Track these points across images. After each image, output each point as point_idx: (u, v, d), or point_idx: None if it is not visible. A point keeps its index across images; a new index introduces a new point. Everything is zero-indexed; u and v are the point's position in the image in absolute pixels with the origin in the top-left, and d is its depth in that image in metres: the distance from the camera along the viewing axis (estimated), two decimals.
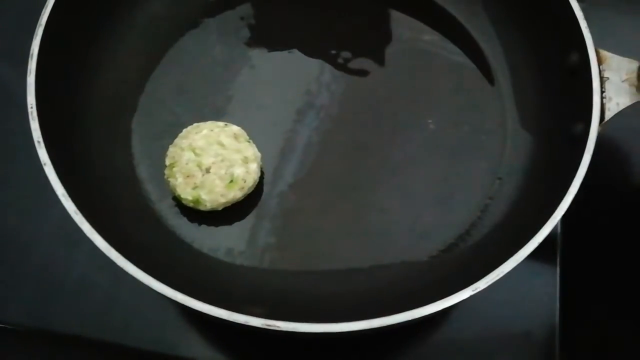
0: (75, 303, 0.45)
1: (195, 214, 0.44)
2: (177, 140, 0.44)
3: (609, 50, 0.43)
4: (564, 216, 0.38)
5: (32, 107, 0.40)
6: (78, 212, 0.37)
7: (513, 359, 0.45)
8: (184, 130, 0.45)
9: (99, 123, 0.45)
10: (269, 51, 0.50)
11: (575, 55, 0.44)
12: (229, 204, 0.44)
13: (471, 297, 0.36)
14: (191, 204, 0.43)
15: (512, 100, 0.48)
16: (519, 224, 0.42)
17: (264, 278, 0.43)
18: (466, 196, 0.46)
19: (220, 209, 0.43)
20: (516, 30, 0.49)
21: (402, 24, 0.51)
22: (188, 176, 0.43)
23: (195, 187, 0.43)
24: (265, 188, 0.46)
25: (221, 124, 0.45)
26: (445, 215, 0.45)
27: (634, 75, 0.42)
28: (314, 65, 0.50)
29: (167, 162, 0.44)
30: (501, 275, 0.36)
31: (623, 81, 0.42)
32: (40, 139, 0.39)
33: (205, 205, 0.43)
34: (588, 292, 0.47)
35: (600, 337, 0.47)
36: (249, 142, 0.45)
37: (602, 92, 0.42)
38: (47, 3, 0.42)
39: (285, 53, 0.50)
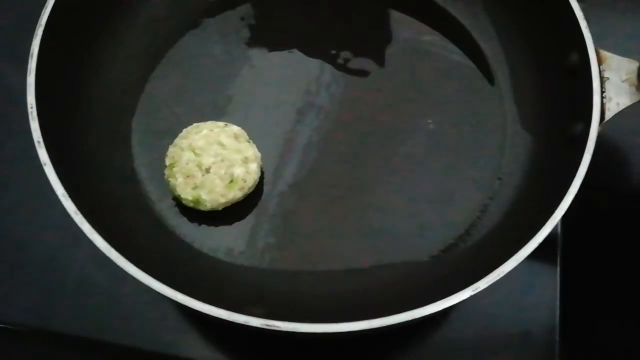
0: (75, 303, 0.45)
1: (195, 214, 0.44)
2: (177, 140, 0.44)
3: (609, 50, 0.43)
4: (564, 216, 0.38)
5: (32, 107, 0.39)
6: (78, 212, 0.37)
7: (513, 359, 0.45)
8: (184, 130, 0.45)
9: (99, 123, 0.45)
10: (269, 51, 0.50)
11: (575, 55, 0.44)
12: (229, 204, 0.44)
13: (471, 297, 0.36)
14: (191, 204, 0.43)
15: (512, 100, 0.49)
16: (519, 224, 0.42)
17: (264, 278, 0.43)
18: (466, 196, 0.46)
19: (220, 209, 0.43)
20: (516, 31, 0.49)
21: (402, 24, 0.51)
22: (188, 176, 0.43)
23: (195, 187, 0.43)
24: (265, 188, 0.46)
25: (221, 124, 0.45)
26: (445, 215, 0.45)
27: (634, 75, 0.42)
28: (314, 65, 0.50)
29: (167, 162, 0.44)
30: (501, 275, 0.36)
31: (623, 81, 0.42)
32: (40, 139, 0.39)
33: (205, 205, 0.43)
34: (588, 292, 0.47)
35: (601, 337, 0.47)
36: (249, 142, 0.45)
37: (602, 92, 0.42)
38: (47, 3, 0.42)
39: (285, 53, 0.50)
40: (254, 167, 0.44)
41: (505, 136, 0.47)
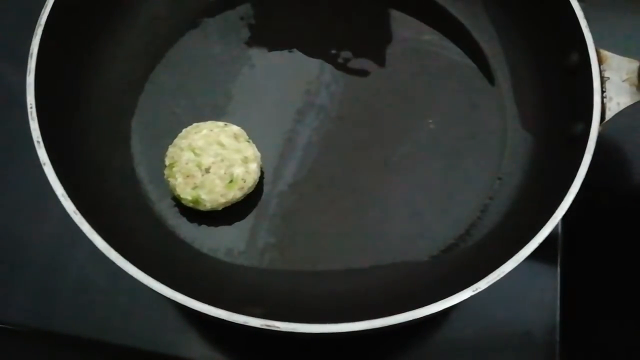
0: (74, 303, 0.45)
1: (195, 214, 0.44)
2: (176, 140, 0.44)
3: (609, 50, 0.43)
4: (564, 216, 0.38)
5: (31, 107, 0.40)
6: (77, 212, 0.37)
7: (514, 359, 0.45)
8: (184, 130, 0.45)
9: (98, 123, 0.45)
10: (269, 51, 0.50)
11: (575, 55, 0.44)
12: (229, 204, 0.44)
13: (472, 297, 0.36)
14: (191, 204, 0.43)
15: (512, 100, 0.48)
16: (519, 224, 0.42)
17: (263, 278, 0.43)
18: (466, 196, 0.45)
19: (220, 209, 0.43)
20: (516, 30, 0.49)
21: (403, 24, 0.51)
22: (188, 176, 0.43)
23: (195, 187, 0.43)
24: (265, 188, 0.46)
25: (221, 123, 0.45)
26: (446, 215, 0.45)
27: (635, 75, 0.42)
28: (314, 65, 0.50)
29: (167, 162, 0.44)
30: (502, 275, 0.36)
31: (623, 81, 0.42)
32: (40, 139, 0.39)
33: (205, 205, 0.43)
34: (589, 292, 0.47)
35: (601, 337, 0.47)
36: (248, 142, 0.45)
37: (602, 91, 0.42)
38: (46, 3, 0.42)
39: (285, 53, 0.50)
40: (253, 167, 0.44)
41: (505, 136, 0.47)
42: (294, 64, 0.49)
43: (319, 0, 0.52)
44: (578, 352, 0.46)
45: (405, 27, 0.51)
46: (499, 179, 0.46)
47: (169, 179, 0.43)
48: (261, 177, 0.45)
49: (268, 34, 0.51)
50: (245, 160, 0.43)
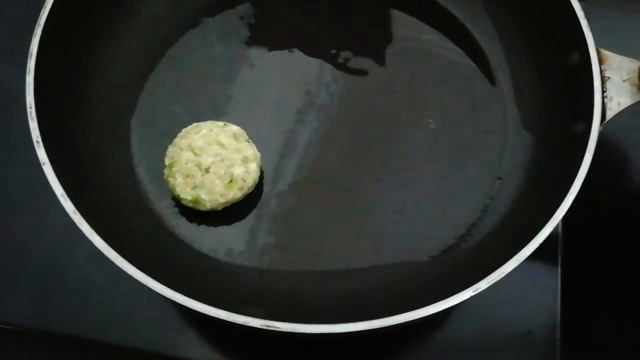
0: (74, 303, 0.45)
1: (194, 214, 0.44)
2: (176, 140, 0.44)
3: (609, 50, 0.43)
4: (565, 216, 0.38)
5: (31, 107, 0.39)
6: (77, 212, 0.37)
7: (514, 359, 0.45)
8: (184, 130, 0.45)
9: (98, 123, 0.45)
10: (268, 51, 0.50)
11: (576, 54, 0.44)
12: (229, 204, 0.43)
13: (472, 297, 0.36)
14: (190, 204, 0.43)
15: (513, 100, 0.48)
16: (519, 224, 0.42)
17: (263, 278, 0.43)
18: (466, 196, 0.45)
19: (219, 209, 0.43)
20: (517, 30, 0.49)
21: (403, 24, 0.51)
22: (187, 176, 0.43)
23: (194, 187, 0.42)
24: (265, 188, 0.45)
25: (220, 123, 0.45)
26: (446, 215, 0.45)
27: (635, 74, 0.42)
28: (314, 65, 0.49)
29: (167, 162, 0.44)
30: (502, 275, 0.36)
31: (624, 81, 0.42)
32: (39, 139, 0.39)
33: (205, 205, 0.43)
34: (589, 293, 0.47)
35: (602, 337, 0.47)
36: (248, 141, 0.44)
37: (603, 91, 0.42)
38: (46, 2, 0.42)
39: (285, 52, 0.50)
40: (253, 167, 0.44)
41: (505, 136, 0.47)
42: (294, 63, 0.49)
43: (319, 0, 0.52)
44: (578, 352, 0.46)
45: (405, 27, 0.51)
46: (500, 178, 0.46)
47: (169, 179, 0.43)
48: (261, 177, 0.45)
49: (268, 34, 0.50)
50: (245, 160, 0.43)
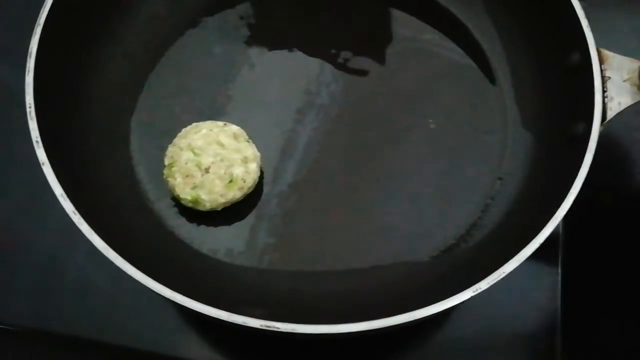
0: (74, 303, 0.45)
1: (194, 214, 0.44)
2: (176, 140, 0.44)
3: (610, 50, 0.43)
4: (565, 216, 0.38)
5: (30, 107, 0.39)
6: (76, 212, 0.37)
7: None
8: (183, 130, 0.44)
9: (97, 122, 0.45)
10: (268, 50, 0.50)
11: (576, 54, 0.44)
12: (229, 204, 0.43)
13: (472, 297, 0.35)
14: (190, 204, 0.43)
15: (513, 100, 0.48)
16: (520, 224, 0.42)
17: (263, 278, 0.43)
18: (467, 196, 0.45)
19: (219, 209, 0.43)
20: (517, 30, 0.49)
21: (403, 23, 0.51)
22: (187, 176, 0.42)
23: (194, 187, 0.42)
24: (265, 188, 0.45)
25: (220, 123, 0.45)
26: (446, 215, 0.45)
27: (636, 74, 0.42)
28: (314, 64, 0.49)
29: (166, 161, 0.44)
30: (503, 275, 0.36)
31: (624, 81, 0.42)
32: (39, 139, 0.39)
33: (205, 205, 0.43)
34: (590, 293, 0.47)
35: (602, 338, 0.47)
36: (248, 141, 0.44)
37: (603, 91, 0.42)
38: (45, 2, 0.42)
39: (285, 52, 0.50)
40: (253, 167, 0.44)
41: (506, 136, 0.47)
42: (294, 63, 0.49)
43: None
44: (579, 352, 0.46)
45: (405, 27, 0.51)
46: (500, 179, 0.46)
47: (169, 179, 0.43)
48: (261, 177, 0.45)
49: (268, 34, 0.50)
50: (245, 160, 0.43)
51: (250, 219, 0.44)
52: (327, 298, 0.42)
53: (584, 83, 0.42)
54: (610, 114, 0.42)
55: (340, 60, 0.50)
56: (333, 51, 0.50)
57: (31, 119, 0.39)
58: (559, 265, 0.46)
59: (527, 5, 0.48)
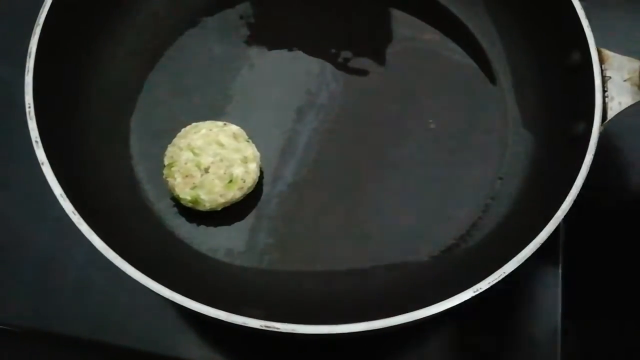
0: (73, 304, 0.45)
1: (194, 214, 0.44)
2: (175, 140, 0.44)
3: (610, 50, 0.43)
4: (566, 216, 0.38)
5: (29, 107, 0.39)
6: (76, 212, 0.37)
7: None
8: (183, 129, 0.44)
9: (97, 122, 0.45)
10: (268, 50, 0.50)
11: (576, 54, 0.44)
12: (228, 204, 0.43)
13: (473, 297, 0.35)
14: (190, 204, 0.43)
15: (514, 100, 0.48)
16: (520, 224, 0.42)
17: (263, 279, 0.43)
18: (467, 196, 0.45)
19: (219, 209, 0.43)
20: (518, 30, 0.49)
21: (403, 23, 0.51)
22: (187, 176, 0.42)
23: (194, 187, 0.42)
24: (265, 188, 0.45)
25: (220, 123, 0.45)
26: (446, 215, 0.45)
27: (636, 74, 0.42)
28: (314, 64, 0.49)
29: (166, 161, 0.43)
30: (503, 276, 0.36)
31: (625, 80, 0.42)
32: (38, 139, 0.38)
33: (204, 206, 0.43)
34: (590, 293, 0.47)
35: (603, 338, 0.47)
36: (248, 141, 0.44)
37: (604, 91, 0.42)
38: (45, 2, 0.42)
39: (285, 52, 0.50)
40: (253, 167, 0.43)
41: (506, 136, 0.47)
42: (294, 63, 0.49)
43: None
44: (579, 352, 0.46)
45: (406, 27, 0.51)
46: (500, 179, 0.46)
47: (168, 179, 0.43)
48: (261, 177, 0.45)
49: (268, 33, 0.50)
50: (245, 160, 0.43)
51: (250, 219, 0.44)
52: (327, 298, 0.42)
53: (585, 83, 0.42)
54: (610, 114, 0.41)
55: (340, 60, 0.50)
56: (333, 51, 0.50)
57: (30, 118, 0.39)
58: (560, 266, 0.46)
59: (527, 5, 0.48)
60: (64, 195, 0.37)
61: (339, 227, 0.44)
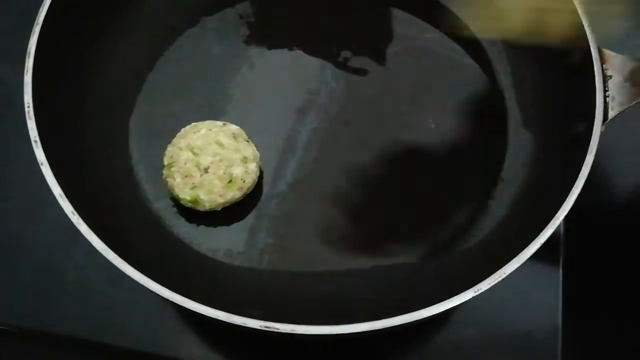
0: (73, 304, 0.45)
1: (193, 214, 0.44)
2: (175, 140, 0.44)
3: (611, 49, 0.43)
4: (566, 216, 0.38)
5: (29, 106, 0.39)
6: (75, 212, 0.37)
7: None
8: (182, 129, 0.44)
9: (96, 122, 0.45)
10: (268, 49, 0.50)
11: (577, 54, 0.43)
12: (228, 204, 0.43)
13: (473, 297, 0.35)
14: (189, 204, 0.43)
15: (514, 100, 0.48)
16: (521, 225, 0.42)
17: (262, 279, 0.43)
18: (467, 196, 0.45)
19: (219, 209, 0.43)
20: None
21: (404, 23, 0.51)
22: (186, 176, 0.42)
23: (193, 187, 0.42)
24: (265, 188, 0.45)
25: (220, 123, 0.44)
26: (447, 216, 0.45)
27: (637, 74, 0.42)
28: (314, 64, 0.49)
29: (165, 161, 0.43)
30: (504, 276, 0.36)
31: (626, 80, 0.42)
32: (37, 138, 0.38)
33: (204, 206, 0.43)
34: (591, 293, 0.47)
35: (603, 338, 0.47)
36: (247, 141, 0.44)
37: (604, 91, 0.42)
38: (44, 1, 0.42)
39: (285, 51, 0.50)
40: (253, 167, 0.43)
41: (507, 136, 0.47)
42: (294, 62, 0.49)
43: None
44: (579, 352, 0.46)
45: (406, 26, 0.51)
46: (500, 179, 0.46)
47: (168, 179, 0.43)
48: (260, 177, 0.45)
49: (267, 32, 0.50)
50: (245, 160, 0.43)
51: (249, 219, 0.44)
52: (327, 298, 0.42)
53: (585, 83, 0.42)
54: (611, 114, 0.41)
55: (340, 59, 0.50)
56: (333, 50, 0.50)
57: (30, 118, 0.39)
58: (560, 266, 0.46)
59: None
60: (63, 195, 0.37)
61: (339, 227, 0.44)
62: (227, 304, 0.35)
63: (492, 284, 0.36)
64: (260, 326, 0.34)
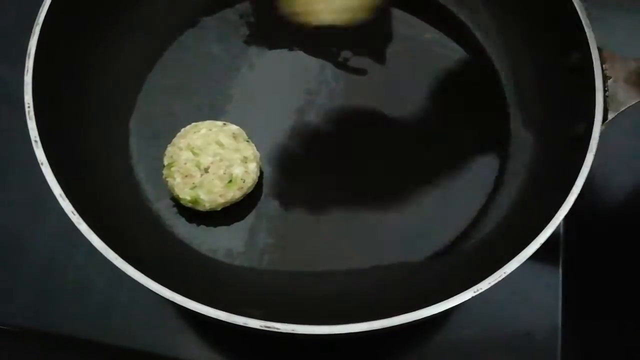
0: (73, 304, 0.45)
1: (193, 214, 0.44)
2: (175, 140, 0.44)
3: (611, 49, 0.43)
4: (566, 216, 0.38)
5: (29, 106, 0.39)
6: (75, 212, 0.37)
7: None
8: (183, 129, 0.44)
9: (96, 122, 0.45)
10: (268, 49, 0.50)
11: (577, 54, 0.43)
12: (228, 204, 0.43)
13: (473, 297, 0.35)
14: (190, 204, 0.43)
15: (514, 100, 0.48)
16: (521, 225, 0.42)
17: (263, 279, 0.43)
18: (467, 196, 0.45)
19: (219, 209, 0.43)
20: (518, 29, 0.49)
21: (403, 22, 0.51)
22: (186, 176, 0.42)
23: (193, 187, 0.42)
24: (265, 188, 0.45)
25: (220, 123, 0.44)
26: (447, 216, 0.45)
27: (637, 74, 0.42)
28: (314, 64, 0.49)
29: (165, 161, 0.43)
30: (503, 276, 0.36)
31: (626, 80, 0.42)
32: (37, 138, 0.38)
33: (204, 206, 0.43)
34: (591, 293, 0.47)
35: (603, 338, 0.47)
36: (248, 141, 0.44)
37: (604, 91, 0.42)
38: (44, 1, 0.42)
39: (284, 51, 0.50)
40: (253, 167, 0.43)
41: (507, 136, 0.47)
42: (294, 62, 0.49)
43: None
44: (579, 352, 0.46)
45: (406, 26, 0.51)
46: (500, 179, 0.46)
47: (168, 179, 0.43)
48: (260, 177, 0.45)
49: (267, 33, 0.50)
50: (245, 160, 0.43)
51: (249, 219, 0.44)
52: (327, 298, 0.42)
53: (585, 83, 0.42)
54: (611, 114, 0.41)
55: (340, 59, 0.50)
56: (333, 50, 0.50)
57: (30, 118, 0.39)
58: (560, 266, 0.46)
59: (528, 4, 0.48)
60: (63, 195, 0.37)
61: (339, 227, 0.44)
62: (228, 304, 0.35)
63: (492, 283, 0.36)
64: (261, 326, 0.34)
